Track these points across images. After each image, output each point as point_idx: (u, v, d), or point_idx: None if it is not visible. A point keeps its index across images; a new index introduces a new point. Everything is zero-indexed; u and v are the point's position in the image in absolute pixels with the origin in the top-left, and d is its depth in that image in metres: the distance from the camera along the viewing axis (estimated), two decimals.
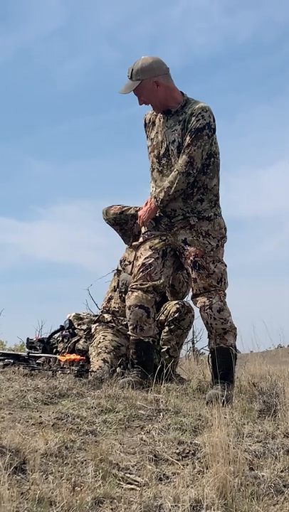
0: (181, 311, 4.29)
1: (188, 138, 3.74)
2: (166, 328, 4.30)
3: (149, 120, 3.97)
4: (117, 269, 4.56)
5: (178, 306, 4.31)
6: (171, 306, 4.33)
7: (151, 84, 3.80)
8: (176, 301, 4.35)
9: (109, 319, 4.44)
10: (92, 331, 4.47)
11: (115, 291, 4.49)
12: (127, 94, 3.82)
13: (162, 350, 4.28)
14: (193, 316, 4.33)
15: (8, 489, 1.96)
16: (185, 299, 4.46)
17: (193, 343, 9.56)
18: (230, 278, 3.86)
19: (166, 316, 4.31)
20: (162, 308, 4.38)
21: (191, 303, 4.02)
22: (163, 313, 4.36)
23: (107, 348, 4.24)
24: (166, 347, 4.29)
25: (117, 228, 4.51)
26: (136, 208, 4.39)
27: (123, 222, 4.44)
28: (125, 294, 4.29)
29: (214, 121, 3.80)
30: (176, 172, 3.74)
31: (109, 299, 4.51)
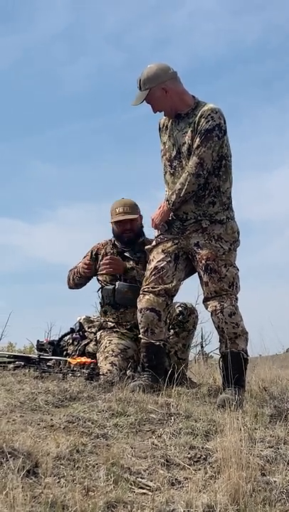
0: (184, 313, 4.29)
1: (197, 139, 3.73)
2: (172, 331, 4.30)
3: (163, 124, 3.97)
4: (100, 288, 4.60)
5: (180, 308, 4.31)
6: (174, 309, 4.32)
7: (160, 91, 3.80)
8: (178, 304, 4.35)
9: (113, 325, 4.46)
10: (98, 337, 4.48)
11: (103, 306, 4.54)
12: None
13: (170, 353, 4.28)
14: (196, 316, 4.34)
15: (21, 493, 1.96)
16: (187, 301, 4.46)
17: (202, 347, 9.55)
18: (240, 281, 3.84)
19: (170, 320, 4.31)
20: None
21: (202, 306, 4.02)
22: (166, 316, 4.36)
23: (114, 352, 4.24)
24: (174, 349, 4.29)
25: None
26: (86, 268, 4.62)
27: (89, 276, 4.68)
28: (113, 305, 4.41)
29: (225, 122, 3.78)
30: (187, 174, 3.73)
31: (105, 313, 4.54)
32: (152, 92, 3.80)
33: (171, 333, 4.29)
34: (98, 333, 4.52)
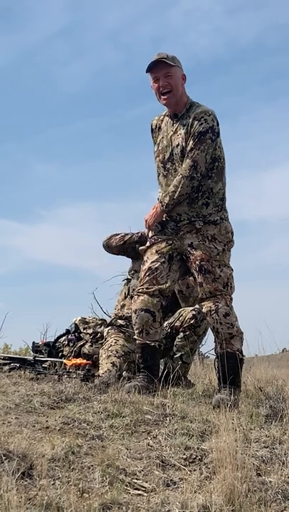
0: (198, 317, 4.28)
1: (191, 142, 3.73)
2: (181, 334, 4.30)
3: (156, 125, 3.97)
4: (127, 278, 4.60)
5: (194, 312, 4.30)
6: (187, 313, 4.32)
7: (181, 74, 3.84)
8: (192, 308, 4.35)
9: (123, 324, 4.44)
10: (105, 334, 4.47)
11: (126, 298, 4.51)
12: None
13: (175, 356, 4.28)
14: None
15: (16, 495, 1.95)
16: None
17: (198, 347, 9.53)
18: (235, 281, 3.85)
19: (182, 323, 4.31)
20: (178, 315, 4.38)
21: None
22: (178, 319, 4.35)
23: (117, 353, 4.23)
24: (180, 353, 4.28)
25: (122, 255, 4.56)
26: (138, 233, 4.42)
27: (129, 250, 4.46)
28: None
29: (218, 124, 3.79)
30: (180, 176, 3.73)
31: (122, 307, 4.53)
32: (177, 71, 3.82)
33: (180, 336, 4.29)
34: (106, 330, 4.50)
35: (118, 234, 4.55)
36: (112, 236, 4.56)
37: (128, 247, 4.49)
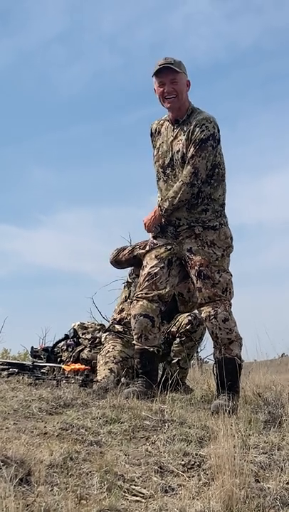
0: (193, 323, 4.27)
1: (192, 149, 3.74)
2: (178, 339, 4.28)
3: (155, 130, 3.98)
4: (127, 282, 4.58)
5: (190, 318, 4.29)
6: (183, 318, 4.31)
7: (186, 81, 3.85)
8: (188, 313, 4.34)
9: (120, 330, 4.43)
10: (102, 340, 4.46)
11: (126, 301, 4.50)
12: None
13: (172, 362, 4.26)
14: (205, 328, 4.30)
15: (14, 501, 1.95)
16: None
17: (197, 353, 9.53)
18: (235, 286, 3.85)
19: (178, 328, 4.30)
20: (174, 320, 4.37)
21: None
22: (175, 324, 4.34)
23: (115, 358, 4.22)
24: (177, 358, 4.27)
25: (132, 266, 4.53)
26: (143, 243, 4.39)
27: (138, 261, 4.41)
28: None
29: (218, 131, 3.80)
30: (181, 183, 3.74)
31: (121, 311, 4.51)
32: (182, 77, 3.83)
33: (176, 342, 4.28)
34: (103, 335, 4.49)
35: (124, 248, 4.51)
36: (118, 252, 4.50)
37: (138, 259, 4.47)
